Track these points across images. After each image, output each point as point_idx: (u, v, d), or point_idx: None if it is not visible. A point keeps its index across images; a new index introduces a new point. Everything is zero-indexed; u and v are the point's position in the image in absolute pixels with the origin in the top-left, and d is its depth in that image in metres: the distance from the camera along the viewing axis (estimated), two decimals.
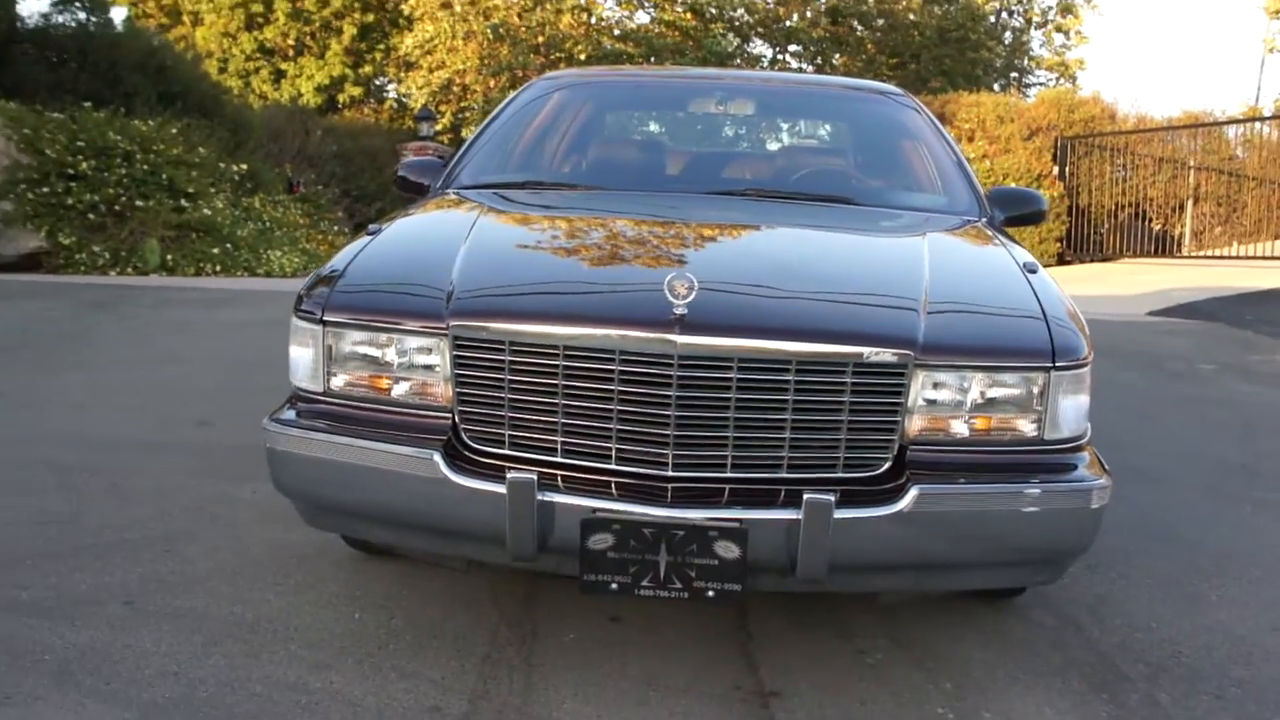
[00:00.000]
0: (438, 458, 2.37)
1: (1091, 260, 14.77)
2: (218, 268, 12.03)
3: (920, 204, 3.74)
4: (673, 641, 2.81)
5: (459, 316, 2.43)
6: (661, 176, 3.90)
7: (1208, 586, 3.35)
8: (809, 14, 24.62)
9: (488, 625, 2.87)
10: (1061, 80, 27.29)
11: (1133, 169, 14.57)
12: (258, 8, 27.10)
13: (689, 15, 24.12)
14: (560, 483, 2.36)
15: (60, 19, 14.66)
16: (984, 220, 3.64)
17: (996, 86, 25.04)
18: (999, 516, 2.34)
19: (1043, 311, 2.55)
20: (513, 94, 4.31)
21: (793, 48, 26.02)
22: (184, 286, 10.40)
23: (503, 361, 2.40)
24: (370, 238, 2.91)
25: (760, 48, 26.34)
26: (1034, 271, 2.86)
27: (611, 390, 2.34)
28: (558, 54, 23.49)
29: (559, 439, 2.40)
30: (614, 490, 2.35)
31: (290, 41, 27.49)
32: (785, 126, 4.36)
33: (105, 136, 12.00)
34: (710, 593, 2.27)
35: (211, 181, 12.97)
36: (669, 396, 2.31)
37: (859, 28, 26.03)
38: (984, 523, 2.33)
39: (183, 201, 12.11)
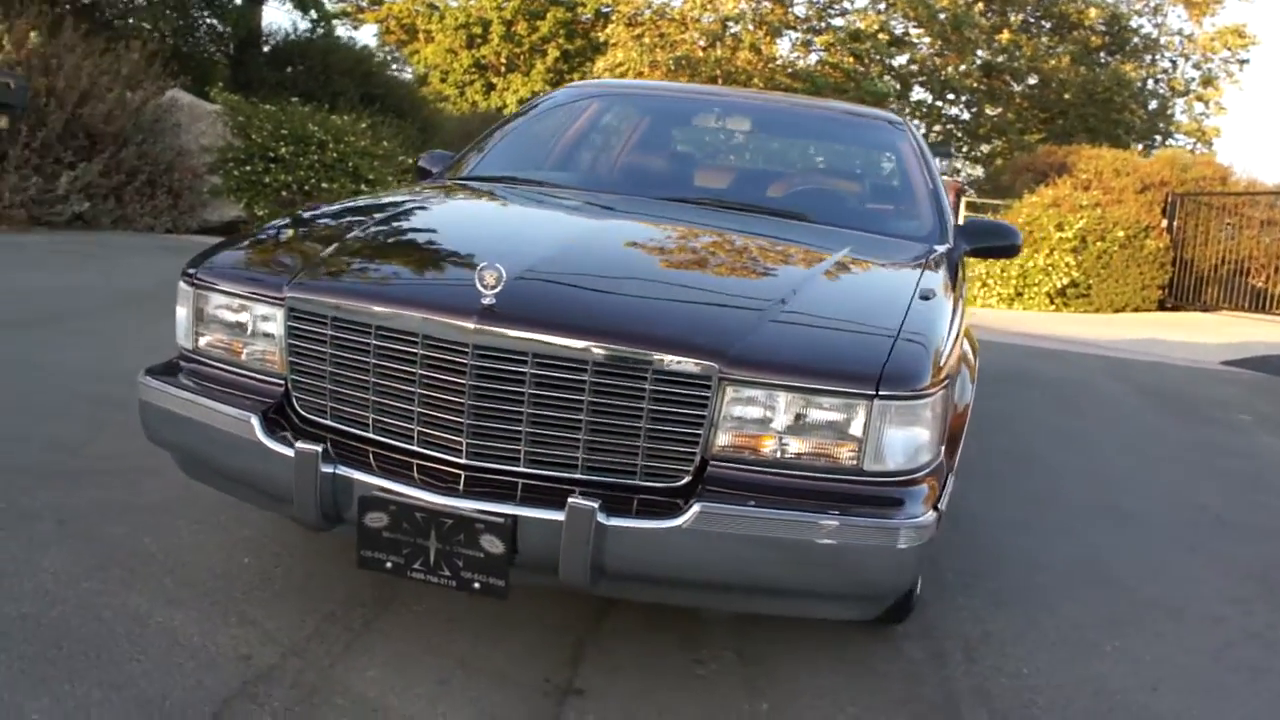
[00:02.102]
0: (255, 420, 2.14)
1: (1191, 309, 13.64)
2: None
3: (878, 226, 3.31)
4: (515, 627, 2.50)
5: (295, 289, 2.19)
6: (627, 181, 3.56)
7: (1109, 636, 2.85)
8: (963, 67, 23.60)
9: (354, 587, 2.62)
10: (1198, 146, 25.47)
11: (1238, 228, 13.37)
12: (477, 29, 27.71)
13: (851, 59, 23.40)
14: (371, 459, 2.10)
15: (288, 29, 15.10)
16: (943, 247, 3.20)
17: (1139, 146, 23.54)
18: (789, 545, 1.93)
19: (897, 335, 2.15)
20: (535, 98, 4.06)
21: (949, 96, 25.09)
22: None
23: (325, 335, 2.15)
24: (286, 216, 2.70)
25: (920, 94, 25.50)
26: (927, 298, 2.45)
27: (414, 373, 2.06)
28: (733, 85, 23.17)
29: (370, 415, 2.14)
30: (414, 472, 2.07)
31: (502, 60, 28.00)
32: (777, 145, 3.96)
33: (305, 127, 12.23)
34: (476, 585, 1.97)
35: (391, 171, 13.12)
36: (464, 385, 2.02)
37: (1011, 83, 24.88)
38: (773, 549, 1.94)
39: (362, 186, 12.27)
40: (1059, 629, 2.87)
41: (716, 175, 3.77)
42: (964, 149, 26.80)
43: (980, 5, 22.66)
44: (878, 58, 23.32)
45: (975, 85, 24.32)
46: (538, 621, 2.54)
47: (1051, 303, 13.33)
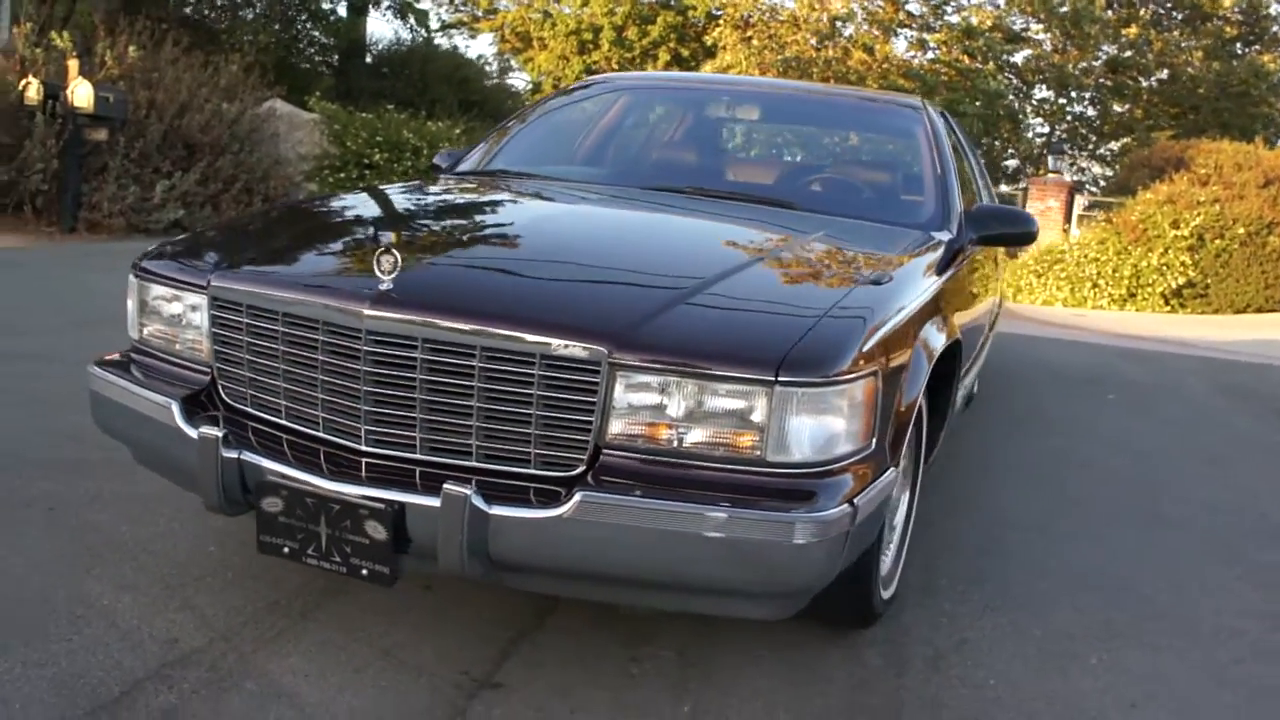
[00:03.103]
0: (175, 406, 2.18)
1: None
2: None
3: (872, 213, 3.21)
4: (454, 622, 2.50)
5: (217, 278, 2.24)
6: (615, 170, 3.54)
7: (1099, 648, 2.69)
8: (1085, 63, 22.78)
9: (308, 578, 2.65)
10: None
11: None
12: (588, 36, 27.94)
13: (965, 57, 22.82)
14: (283, 445, 2.13)
15: (391, 39, 15.51)
16: (942, 235, 3.09)
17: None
18: (676, 538, 1.87)
19: (820, 319, 2.07)
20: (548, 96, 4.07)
21: (1074, 93, 24.26)
22: None
23: (242, 323, 2.19)
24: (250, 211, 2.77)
25: (1043, 92, 24.71)
26: (878, 283, 2.37)
27: (317, 359, 2.08)
28: (845, 84, 22.89)
29: (283, 402, 2.17)
30: (321, 459, 2.09)
31: (613, 65, 28.13)
32: (785, 133, 3.87)
33: (400, 134, 12.55)
34: (364, 571, 1.97)
35: None
36: (359, 370, 2.03)
37: (1139, 78, 23.90)
38: (660, 541, 1.89)
39: None
40: (1045, 639, 2.73)
41: (708, 164, 3.70)
42: (1089, 147, 25.87)
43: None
44: (993, 54, 22.66)
45: (1099, 82, 23.47)
46: (479, 617, 2.53)
47: (1167, 304, 12.75)
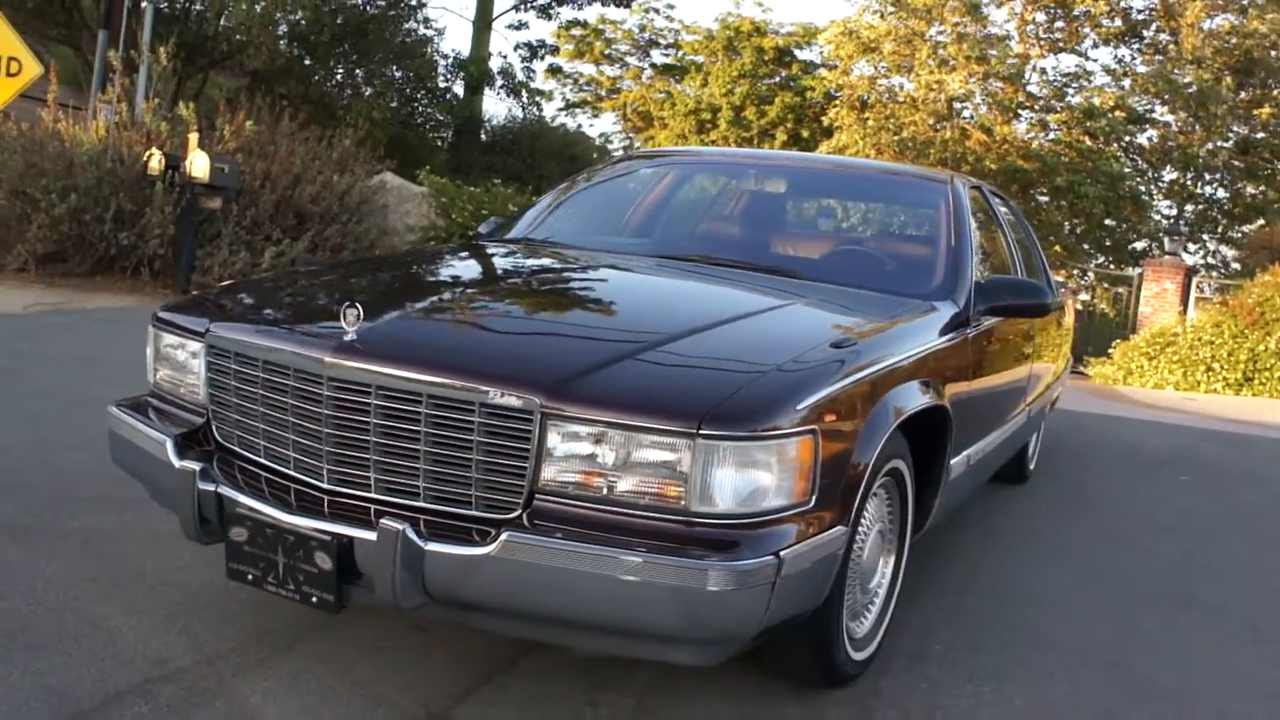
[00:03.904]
0: (169, 444, 2.41)
1: None
2: None
3: (874, 283, 3.30)
4: (430, 660, 2.63)
5: (214, 327, 2.47)
6: (629, 239, 3.69)
7: None
8: (1212, 144, 22.22)
9: (303, 612, 2.81)
10: None
11: None
12: (706, 115, 28.52)
13: (1086, 138, 22.49)
14: (263, 483, 2.33)
15: (505, 117, 16.16)
16: (945, 303, 3.17)
17: None
18: (595, 579, 1.98)
19: (758, 376, 2.19)
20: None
21: (1205, 174, 23.67)
22: None
23: (230, 369, 2.41)
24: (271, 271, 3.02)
25: (1171, 173, 24.14)
26: (839, 345, 2.46)
27: (288, 403, 2.28)
28: (965, 166, 22.80)
29: (261, 442, 2.37)
30: (291, 496, 2.27)
31: (731, 143, 28.59)
32: (806, 207, 3.97)
33: (505, 207, 13.00)
34: (314, 599, 2.14)
35: None
36: (322, 414, 2.21)
37: (1274, 160, 23.18)
38: (580, 584, 2.00)
39: None
40: (1025, 710, 2.72)
41: (718, 234, 3.84)
42: (1219, 230, 25.10)
43: (1229, 80, 21.34)
44: (1116, 135, 22.28)
45: (1229, 163, 22.85)
46: (457, 658, 2.66)
47: None
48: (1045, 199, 23.24)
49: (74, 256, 9.23)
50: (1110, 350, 14.61)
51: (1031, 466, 5.48)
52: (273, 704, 2.35)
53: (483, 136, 16.29)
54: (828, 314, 2.89)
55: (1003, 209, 4.53)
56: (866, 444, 2.39)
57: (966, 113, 23.55)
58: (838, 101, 24.61)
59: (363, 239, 11.45)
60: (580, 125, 26.00)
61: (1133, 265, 21.14)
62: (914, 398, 2.68)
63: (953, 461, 3.10)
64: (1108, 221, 23.27)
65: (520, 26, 29.34)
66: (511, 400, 2.07)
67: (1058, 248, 23.34)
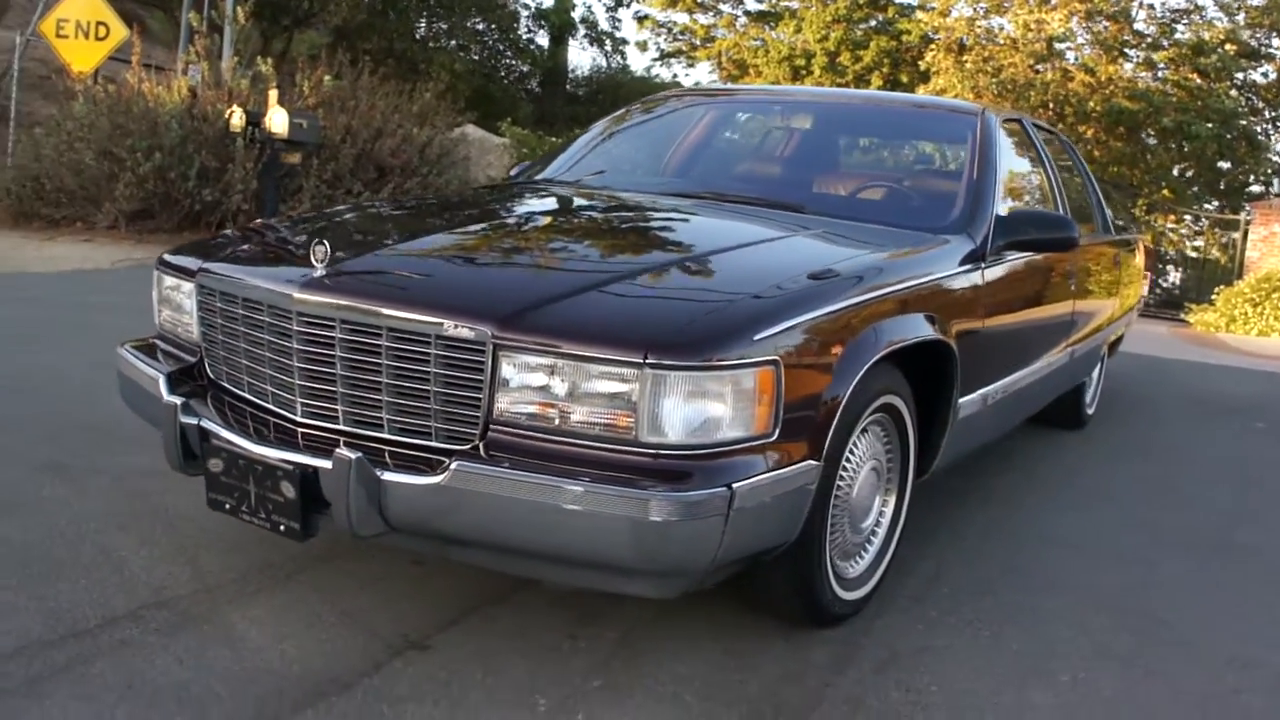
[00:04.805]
0: (162, 380, 2.49)
1: None
2: None
3: (885, 216, 3.23)
4: (425, 595, 2.68)
5: (204, 268, 2.54)
6: (636, 178, 3.67)
7: (1077, 668, 2.60)
8: None
9: (308, 545, 2.90)
10: None
11: None
12: (800, 61, 28.07)
13: (1196, 75, 21.49)
14: (247, 419, 2.40)
15: (589, 67, 16.15)
16: (959, 238, 3.10)
17: None
18: (540, 509, 2.00)
19: (714, 307, 2.19)
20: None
21: None
22: None
23: (216, 307, 2.48)
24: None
25: None
26: (819, 278, 2.43)
27: (264, 339, 2.34)
28: (1068, 109, 22.05)
29: (245, 378, 2.44)
30: (270, 429, 2.34)
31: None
32: (829, 142, 3.87)
33: None
34: (282, 527, 2.21)
35: None
36: (293, 348, 2.26)
37: None
38: (528, 513, 2.02)
39: None
40: (1022, 654, 2.67)
41: (733, 171, 3.78)
42: None
43: None
44: (1228, 72, 21.23)
45: None
46: (450, 590, 2.72)
47: None
48: (1154, 141, 22.35)
49: (161, 213, 9.54)
50: (1212, 296, 14.05)
51: (1090, 411, 5.32)
52: (257, 630, 2.43)
53: (567, 87, 16.26)
54: (823, 246, 2.85)
55: (1047, 143, 4.37)
56: (843, 377, 2.35)
57: (1070, 55, 22.66)
58: (935, 44, 23.95)
59: (443, 189, 11.58)
60: (675, 75, 25.73)
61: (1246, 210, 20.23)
62: (905, 330, 2.62)
63: (963, 400, 3.03)
64: (1221, 164, 22.27)
65: None
66: (464, 332, 2.10)
67: (1166, 191, 22.46)
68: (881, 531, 2.85)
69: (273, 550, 2.87)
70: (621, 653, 2.48)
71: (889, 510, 2.87)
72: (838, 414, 2.34)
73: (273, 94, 9.69)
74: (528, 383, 2.10)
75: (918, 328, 2.70)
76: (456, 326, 2.10)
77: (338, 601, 2.62)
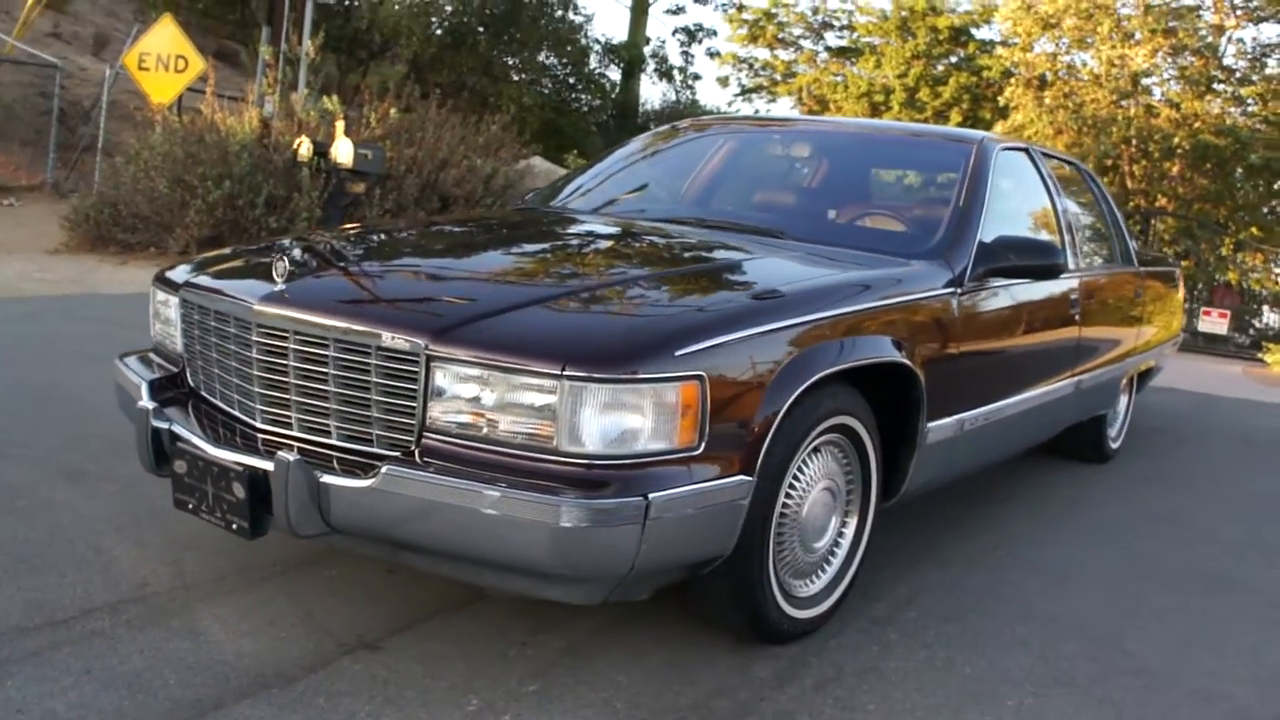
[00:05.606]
0: (144, 387, 2.66)
1: None
2: None
3: (866, 242, 3.29)
4: (388, 601, 2.79)
5: (187, 281, 2.71)
6: (628, 205, 3.77)
7: (1027, 695, 2.61)
8: None
9: (292, 551, 3.05)
10: None
11: None
12: (879, 97, 28.01)
13: None
14: (218, 426, 2.55)
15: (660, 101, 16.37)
16: (933, 265, 3.15)
17: None
18: (460, 513, 2.11)
19: (640, 324, 2.29)
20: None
21: None
22: None
23: (194, 319, 2.64)
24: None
25: None
26: (760, 299, 2.51)
27: (230, 349, 2.49)
28: (1152, 145, 21.65)
29: (218, 386, 2.59)
30: (237, 434, 2.48)
31: None
32: (825, 171, 3.93)
33: None
34: (234, 526, 2.34)
35: None
36: (252, 358, 2.41)
37: None
38: (451, 516, 2.12)
39: None
40: (973, 678, 2.68)
41: (719, 197, 3.87)
42: None
43: None
44: None
45: None
46: (413, 598, 2.83)
47: None
48: (1242, 178, 21.80)
49: (230, 239, 9.91)
50: None
51: (1115, 445, 5.25)
52: (220, 626, 2.57)
53: (638, 120, 16.50)
54: (782, 269, 2.92)
55: (1060, 173, 4.37)
56: (778, 395, 2.41)
57: (1155, 90, 22.24)
58: (1014, 79, 23.71)
59: (455, 216, 11.84)
60: (757, 110, 25.91)
61: None
62: (858, 352, 2.67)
63: (933, 425, 3.06)
64: None
65: (678, 11, 29.68)
66: (400, 343, 2.22)
67: (1254, 229, 21.86)
68: (841, 553, 2.88)
69: (253, 555, 3.01)
70: (565, 660, 2.56)
71: (849, 531, 2.90)
72: (771, 431, 2.40)
73: (339, 125, 10.04)
74: (459, 393, 2.21)
75: (875, 349, 2.75)
76: (394, 338, 2.23)
77: (304, 603, 2.74)
